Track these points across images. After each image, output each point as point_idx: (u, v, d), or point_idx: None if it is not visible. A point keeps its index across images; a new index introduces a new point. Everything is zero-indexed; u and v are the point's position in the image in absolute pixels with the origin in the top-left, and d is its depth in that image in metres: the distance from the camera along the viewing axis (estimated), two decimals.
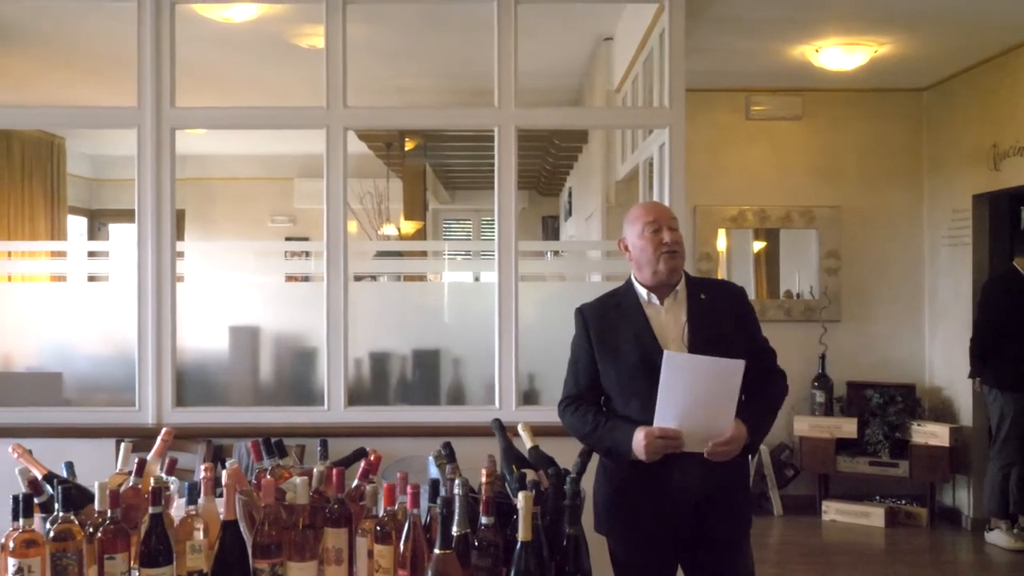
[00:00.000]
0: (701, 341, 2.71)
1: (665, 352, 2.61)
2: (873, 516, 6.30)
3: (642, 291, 2.82)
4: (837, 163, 6.93)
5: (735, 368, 2.58)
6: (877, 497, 6.48)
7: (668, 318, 2.77)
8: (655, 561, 2.81)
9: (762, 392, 2.78)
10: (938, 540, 6.08)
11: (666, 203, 4.14)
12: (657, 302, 2.80)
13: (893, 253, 6.88)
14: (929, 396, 6.70)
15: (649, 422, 2.63)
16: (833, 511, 6.43)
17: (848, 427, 6.46)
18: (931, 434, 6.24)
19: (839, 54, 5.70)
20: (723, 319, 2.78)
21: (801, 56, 5.87)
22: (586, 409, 2.82)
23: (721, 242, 6.98)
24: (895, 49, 5.76)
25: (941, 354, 6.64)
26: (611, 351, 2.80)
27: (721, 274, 6.93)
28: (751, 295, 6.85)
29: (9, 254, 4.48)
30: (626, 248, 2.85)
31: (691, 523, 2.71)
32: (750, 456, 2.85)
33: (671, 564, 2.85)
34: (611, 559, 2.86)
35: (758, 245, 7.16)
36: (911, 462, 6.31)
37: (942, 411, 6.55)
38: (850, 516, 6.37)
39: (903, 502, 6.42)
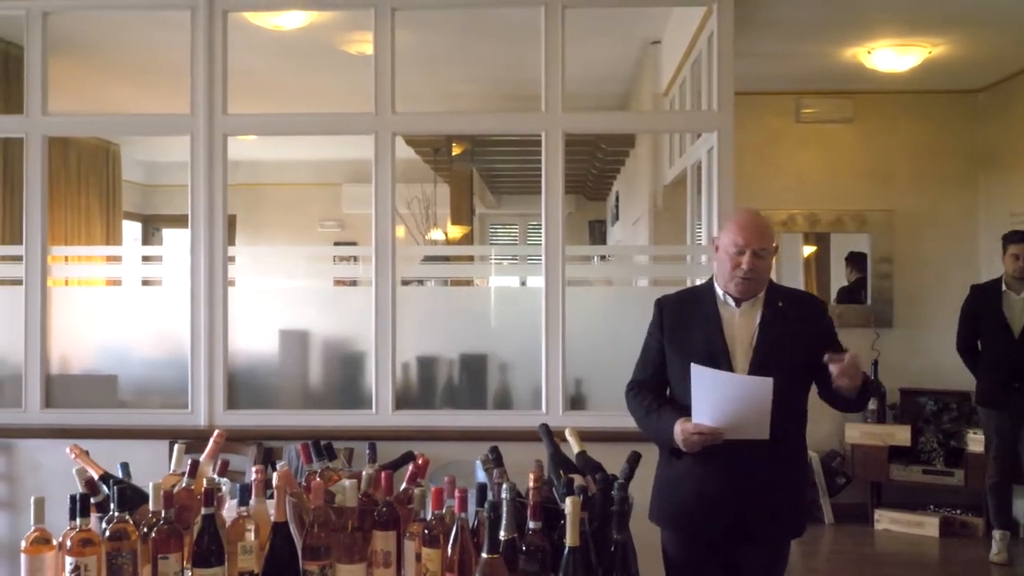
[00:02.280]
0: (767, 348, 2.77)
1: (692, 365, 2.67)
2: (927, 526, 6.18)
3: (720, 292, 2.87)
4: (890, 166, 6.82)
5: (764, 385, 2.60)
6: (931, 506, 6.35)
7: (742, 321, 2.82)
8: (699, 553, 2.84)
9: None
10: None
11: (714, 208, 4.10)
12: (733, 304, 2.84)
13: (947, 257, 6.75)
14: None
15: None
16: (886, 520, 6.31)
17: (901, 435, 6.34)
18: None
19: (892, 56, 5.62)
20: (795, 330, 2.80)
21: (853, 58, 5.79)
22: (645, 394, 2.92)
23: None
24: (950, 50, 5.65)
25: None
26: (680, 345, 2.87)
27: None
28: None
29: (66, 259, 4.56)
30: (717, 248, 2.88)
31: (734, 519, 2.75)
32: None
33: (715, 558, 2.86)
34: (662, 551, 2.91)
35: (808, 249, 7.07)
36: (967, 471, 6.18)
37: None
38: (903, 525, 6.25)
39: (958, 512, 6.28)
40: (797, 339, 2.78)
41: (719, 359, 2.75)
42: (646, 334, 3.00)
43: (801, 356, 2.77)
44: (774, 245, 2.87)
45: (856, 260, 6.93)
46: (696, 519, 2.82)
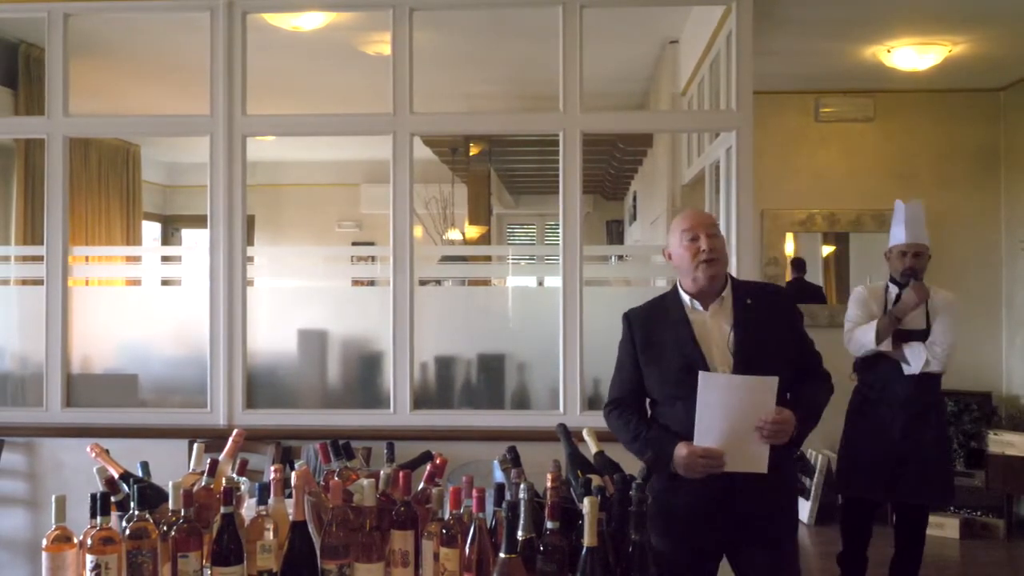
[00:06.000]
0: (747, 348, 2.73)
1: (700, 373, 2.65)
2: (947, 527, 6.13)
3: (686, 297, 2.85)
4: (910, 165, 6.77)
5: (769, 385, 2.62)
6: (951, 508, 6.30)
7: (713, 324, 2.79)
8: (696, 560, 2.81)
9: (806, 392, 2.80)
10: (1016, 553, 5.89)
11: (733, 207, 4.10)
12: (701, 308, 2.82)
13: (968, 257, 6.69)
14: (1007, 404, 6.50)
15: (691, 429, 2.67)
16: None
17: None
18: (1008, 444, 6.05)
19: (912, 54, 5.58)
20: (769, 325, 2.78)
21: (872, 57, 5.76)
22: (629, 415, 2.87)
23: (789, 246, 6.88)
24: (970, 48, 5.61)
25: (1020, 362, 6.44)
26: (655, 357, 2.84)
27: (789, 278, 6.83)
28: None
29: (87, 259, 4.60)
30: (669, 257, 2.90)
31: (728, 523, 2.73)
32: (796, 453, 2.83)
33: (710, 566, 2.85)
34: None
35: (827, 249, 7.04)
36: (987, 472, 6.12)
37: (1020, 420, 6.35)
38: None
39: (978, 513, 6.23)
40: (773, 335, 2.76)
41: (696, 367, 2.70)
42: (619, 350, 2.96)
43: (778, 351, 2.75)
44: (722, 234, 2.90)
45: (796, 263, 6.95)
46: (690, 529, 2.77)
